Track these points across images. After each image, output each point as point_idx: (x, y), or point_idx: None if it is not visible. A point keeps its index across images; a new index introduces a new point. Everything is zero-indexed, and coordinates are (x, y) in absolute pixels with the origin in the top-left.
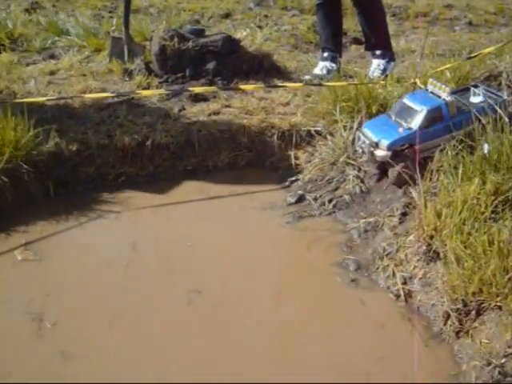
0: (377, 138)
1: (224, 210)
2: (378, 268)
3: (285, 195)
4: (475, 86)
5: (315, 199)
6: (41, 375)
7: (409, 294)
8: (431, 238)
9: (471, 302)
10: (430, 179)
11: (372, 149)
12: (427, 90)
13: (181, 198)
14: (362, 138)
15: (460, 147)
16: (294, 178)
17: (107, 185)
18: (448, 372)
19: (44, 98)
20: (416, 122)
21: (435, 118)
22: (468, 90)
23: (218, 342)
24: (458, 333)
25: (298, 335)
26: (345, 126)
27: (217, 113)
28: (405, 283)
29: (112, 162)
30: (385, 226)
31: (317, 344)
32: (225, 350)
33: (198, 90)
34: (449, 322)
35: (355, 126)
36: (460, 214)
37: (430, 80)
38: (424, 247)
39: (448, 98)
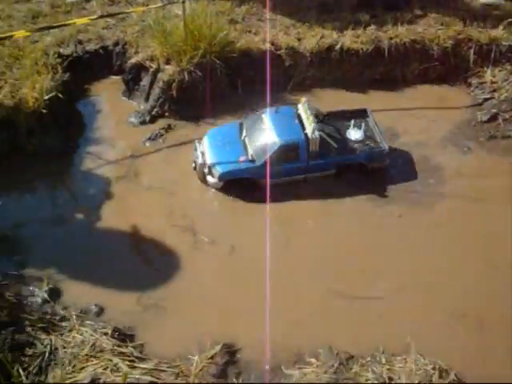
0: (211, 160)
1: (412, 123)
2: None
3: (475, 113)
4: (363, 112)
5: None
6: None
7: None
8: None
9: None
10: None
11: (205, 170)
12: (297, 109)
13: (365, 106)
14: (199, 149)
15: None
16: (487, 96)
17: (293, 87)
18: None
19: None
20: (262, 157)
21: (288, 156)
22: (353, 115)
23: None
24: None
25: None
26: None
27: (410, 22)
28: None
29: (300, 65)
30: None
31: None
32: None
33: None
34: None
35: None
36: None
37: (303, 100)
38: None
39: (312, 135)
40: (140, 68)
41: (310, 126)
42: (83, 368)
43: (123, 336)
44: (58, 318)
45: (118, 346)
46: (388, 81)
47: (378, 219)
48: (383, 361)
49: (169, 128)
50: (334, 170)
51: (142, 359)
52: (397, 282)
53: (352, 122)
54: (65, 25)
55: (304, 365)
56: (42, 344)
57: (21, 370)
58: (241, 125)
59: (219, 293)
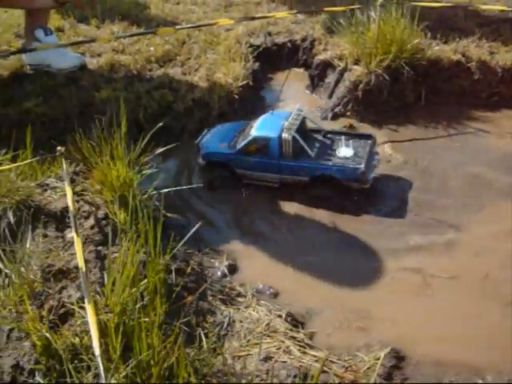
0: (201, 142)
1: None
2: None
3: None
4: (367, 136)
5: None
6: None
7: None
8: None
9: None
10: None
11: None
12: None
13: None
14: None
15: None
16: None
17: (478, 102)
18: None
19: (439, 4)
20: (238, 145)
21: (258, 149)
22: (355, 137)
23: None
24: None
25: None
26: None
27: None
28: None
29: (489, 80)
30: None
31: None
32: None
33: None
34: None
35: None
36: None
37: (298, 105)
38: None
39: (284, 135)
40: (327, 65)
41: (288, 128)
42: (257, 344)
43: (295, 322)
44: (235, 293)
45: (291, 330)
46: None
47: None
48: None
49: (350, 127)
50: (306, 177)
51: (312, 347)
52: None
53: (349, 141)
54: (265, 17)
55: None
56: (222, 314)
57: (202, 335)
58: (247, 122)
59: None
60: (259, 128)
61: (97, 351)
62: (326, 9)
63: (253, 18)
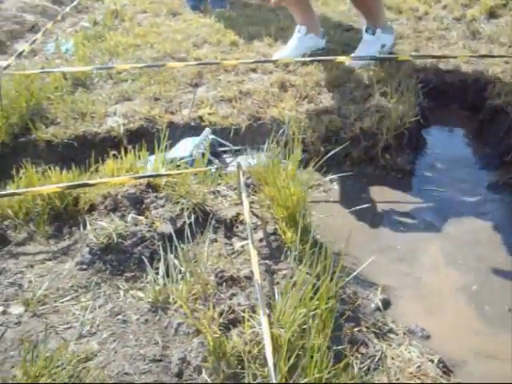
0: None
1: None
2: None
3: None
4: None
5: None
6: None
7: None
8: None
9: None
10: None
11: None
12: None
13: None
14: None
15: None
16: None
17: None
18: None
19: None
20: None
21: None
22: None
23: None
24: None
25: None
26: None
27: None
28: None
29: None
30: None
31: None
32: None
33: None
34: None
35: None
36: None
37: (207, 129)
38: None
39: (194, 153)
40: (498, 111)
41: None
42: None
43: (446, 369)
44: (387, 328)
45: (441, 376)
46: None
47: None
48: None
49: (510, 179)
50: None
51: None
52: None
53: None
54: (444, 57)
55: None
56: (374, 348)
57: (355, 365)
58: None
59: None
60: (174, 151)
61: (270, 362)
62: (495, 55)
63: (434, 57)
